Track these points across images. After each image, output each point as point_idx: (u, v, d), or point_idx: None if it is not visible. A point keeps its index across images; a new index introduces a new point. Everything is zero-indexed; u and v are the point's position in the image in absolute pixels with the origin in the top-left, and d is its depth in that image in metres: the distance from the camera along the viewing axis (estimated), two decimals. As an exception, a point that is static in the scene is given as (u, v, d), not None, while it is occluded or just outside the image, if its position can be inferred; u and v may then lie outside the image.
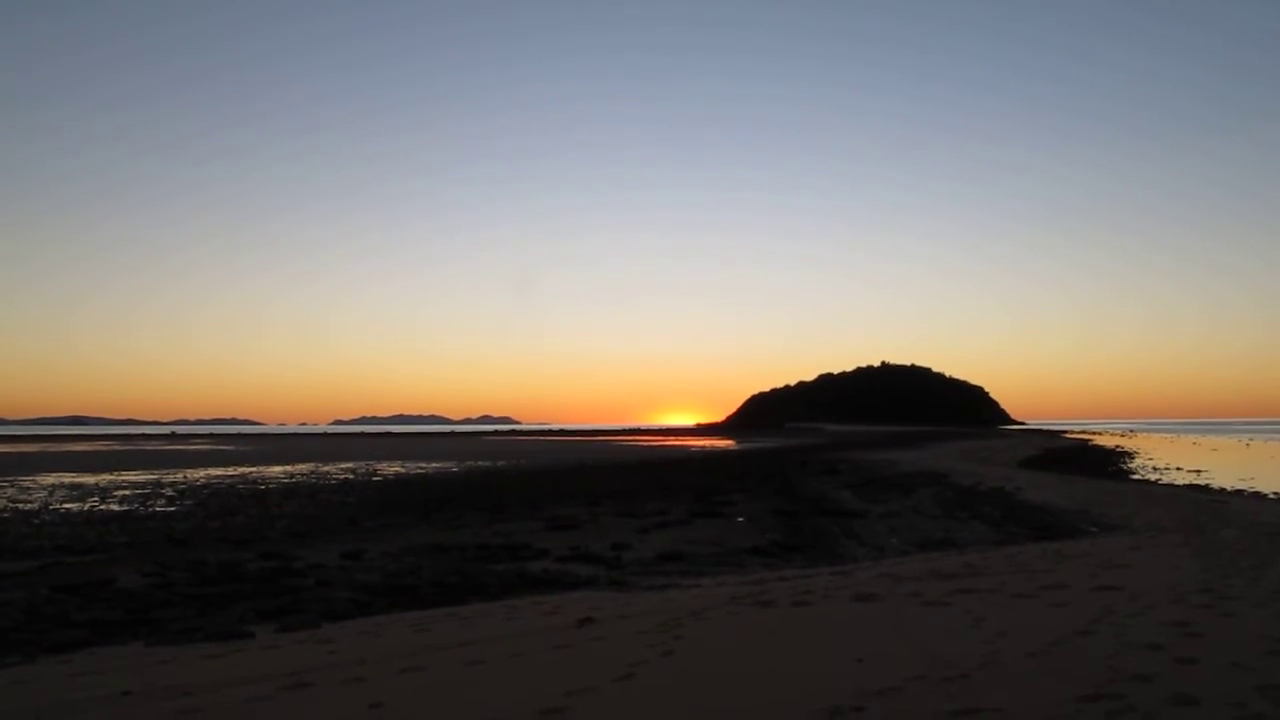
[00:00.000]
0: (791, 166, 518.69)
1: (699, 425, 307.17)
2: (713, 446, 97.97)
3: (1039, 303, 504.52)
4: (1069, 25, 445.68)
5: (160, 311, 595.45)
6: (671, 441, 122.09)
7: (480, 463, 58.59)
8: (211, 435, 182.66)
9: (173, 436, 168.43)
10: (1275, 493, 31.96)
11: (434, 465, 55.68)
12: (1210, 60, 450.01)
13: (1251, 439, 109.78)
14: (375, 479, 42.32)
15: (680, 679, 6.55)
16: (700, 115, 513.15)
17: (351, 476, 44.05)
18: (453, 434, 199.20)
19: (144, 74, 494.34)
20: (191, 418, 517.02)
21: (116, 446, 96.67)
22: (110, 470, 49.57)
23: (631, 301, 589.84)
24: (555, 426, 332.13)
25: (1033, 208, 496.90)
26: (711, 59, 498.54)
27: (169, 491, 34.69)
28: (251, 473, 47.50)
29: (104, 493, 34.14)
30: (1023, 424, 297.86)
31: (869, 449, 76.99)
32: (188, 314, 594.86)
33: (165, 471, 48.58)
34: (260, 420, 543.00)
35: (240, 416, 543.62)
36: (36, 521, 24.28)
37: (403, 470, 49.85)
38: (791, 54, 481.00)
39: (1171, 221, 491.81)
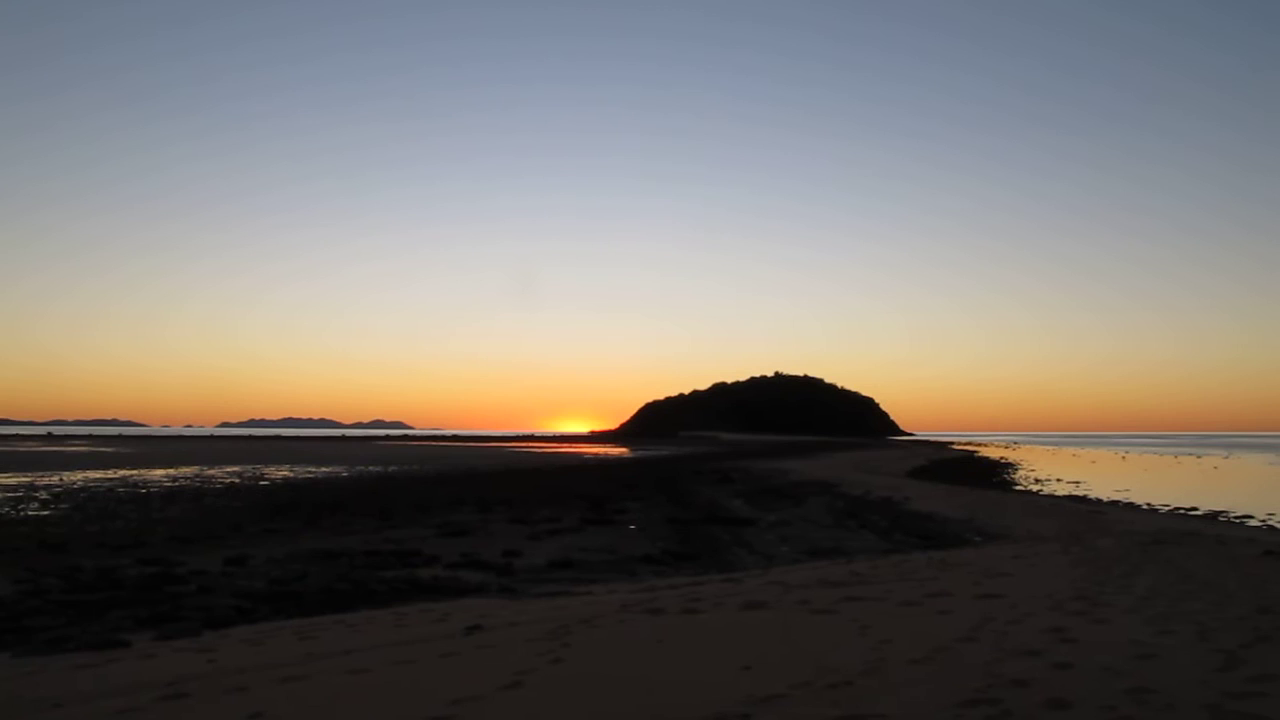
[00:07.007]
0: (688, 176, 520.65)
1: (593, 433, 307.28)
2: (607, 454, 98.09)
3: (932, 314, 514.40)
4: (972, 33, 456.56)
5: (40, 308, 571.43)
6: (565, 449, 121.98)
7: (371, 468, 57.70)
8: (91, 436, 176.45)
9: (49, 437, 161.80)
10: (1149, 503, 33.36)
11: (323, 470, 54.67)
12: (1167, 60, 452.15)
13: (1128, 452, 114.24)
14: (262, 483, 41.36)
15: (569, 687, 6.53)
16: (594, 124, 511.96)
17: (238, 480, 42.96)
18: (344, 438, 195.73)
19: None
20: (70, 418, 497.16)
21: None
22: (-21, 472, 47.47)
23: (525, 308, 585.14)
24: (448, 432, 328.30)
25: (930, 221, 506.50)
26: (635, 69, 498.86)
27: (43, 495, 33.33)
28: (133, 475, 46.00)
29: (-29, 495, 32.69)
30: (911, 435, 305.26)
31: (762, 458, 78.02)
32: (69, 310, 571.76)
33: (40, 474, 46.67)
34: (143, 421, 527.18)
35: (122, 417, 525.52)
36: (-103, 525, 23.14)
37: (291, 474, 48.82)
38: (692, 63, 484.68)
39: (1066, 235, 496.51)
